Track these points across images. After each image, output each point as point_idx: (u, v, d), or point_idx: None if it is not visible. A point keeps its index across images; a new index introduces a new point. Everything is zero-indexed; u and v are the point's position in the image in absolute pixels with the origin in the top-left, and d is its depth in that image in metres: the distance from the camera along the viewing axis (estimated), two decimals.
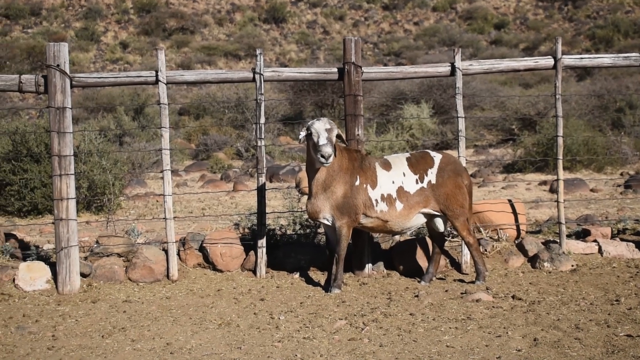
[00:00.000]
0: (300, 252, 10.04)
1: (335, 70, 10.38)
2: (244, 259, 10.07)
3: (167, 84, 9.92)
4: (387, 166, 9.26)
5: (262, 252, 9.81)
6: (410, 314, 8.07)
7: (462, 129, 10.33)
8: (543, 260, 10.01)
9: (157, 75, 9.89)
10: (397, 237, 10.42)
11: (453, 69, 10.50)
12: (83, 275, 9.53)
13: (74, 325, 8.00)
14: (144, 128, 29.63)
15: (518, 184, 18.83)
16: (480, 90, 34.53)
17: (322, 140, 8.62)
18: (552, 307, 8.26)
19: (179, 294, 9.20)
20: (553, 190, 17.25)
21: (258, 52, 10.18)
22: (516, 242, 10.53)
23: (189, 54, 60.17)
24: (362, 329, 7.58)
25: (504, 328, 7.51)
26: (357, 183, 9.05)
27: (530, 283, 9.35)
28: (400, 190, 9.13)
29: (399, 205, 9.10)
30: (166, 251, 9.84)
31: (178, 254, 10.00)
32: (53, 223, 9.67)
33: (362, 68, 10.17)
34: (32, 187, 15.64)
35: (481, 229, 10.63)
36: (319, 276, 9.78)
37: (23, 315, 8.38)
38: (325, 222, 9.14)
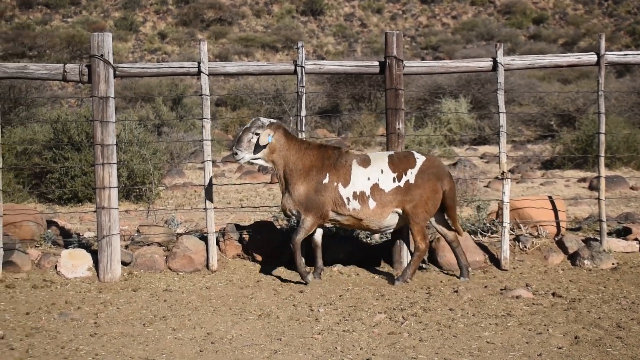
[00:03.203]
0: (339, 245, 10.04)
1: (377, 63, 10.37)
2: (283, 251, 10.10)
3: (209, 75, 9.95)
4: (365, 163, 9.20)
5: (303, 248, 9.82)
6: (450, 309, 8.06)
7: (503, 125, 10.26)
8: (583, 258, 9.94)
9: (199, 67, 9.93)
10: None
11: (495, 64, 10.46)
12: (124, 263, 9.62)
13: (116, 312, 8.08)
14: (182, 118, 29.79)
15: (557, 181, 18.71)
16: (518, 86, 34.33)
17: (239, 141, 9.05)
18: (593, 305, 8.21)
19: (218, 284, 9.25)
20: (592, 187, 17.13)
21: (299, 44, 10.18)
22: (556, 239, 10.46)
23: (227, 45, 60.32)
24: (402, 323, 7.58)
25: (545, 325, 7.48)
26: (326, 181, 9.05)
27: (570, 280, 9.29)
28: (375, 187, 9.07)
29: (371, 203, 9.05)
30: (206, 241, 9.90)
31: (217, 245, 10.06)
32: (94, 211, 9.77)
33: (404, 62, 10.14)
34: (73, 175, 15.81)
35: (521, 225, 10.56)
36: (357, 269, 9.79)
37: (65, 302, 8.47)
38: (294, 217, 9.27)
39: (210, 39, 62.11)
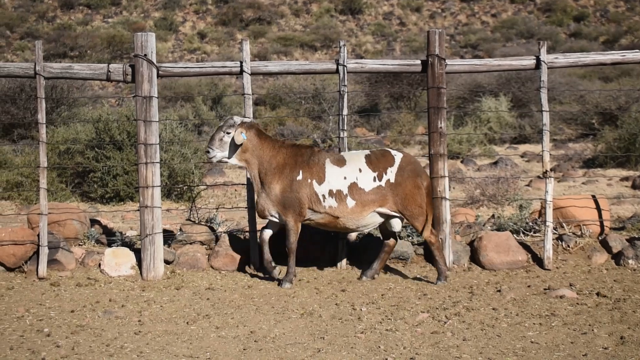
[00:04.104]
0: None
1: (419, 62, 10.34)
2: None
3: (251, 74, 9.97)
4: (340, 162, 9.15)
5: (343, 244, 9.83)
6: (493, 309, 8.02)
7: (547, 123, 10.15)
8: (628, 258, 9.85)
9: (241, 66, 9.97)
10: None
11: (538, 62, 10.34)
12: (166, 262, 9.69)
13: (159, 311, 8.14)
14: (221, 118, 29.87)
15: (599, 180, 18.53)
16: (559, 84, 34.03)
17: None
18: (638, 305, 8.12)
19: (260, 283, 9.27)
20: (636, 186, 16.96)
21: (341, 43, 10.19)
22: (600, 238, 10.36)
23: (266, 45, 60.43)
24: (445, 323, 7.56)
25: (589, 325, 7.42)
26: (300, 178, 9.02)
27: (614, 280, 9.21)
28: (353, 186, 9.02)
29: (350, 202, 8.99)
30: (247, 240, 9.93)
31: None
32: (137, 210, 9.84)
33: (446, 60, 10.11)
34: (115, 174, 15.93)
35: (564, 224, 10.48)
36: (399, 268, 9.77)
37: (109, 300, 8.54)
38: (274, 219, 9.23)
39: (249, 39, 62.24)
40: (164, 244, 9.75)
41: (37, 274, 9.40)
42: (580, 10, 68.86)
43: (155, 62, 9.69)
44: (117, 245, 10.11)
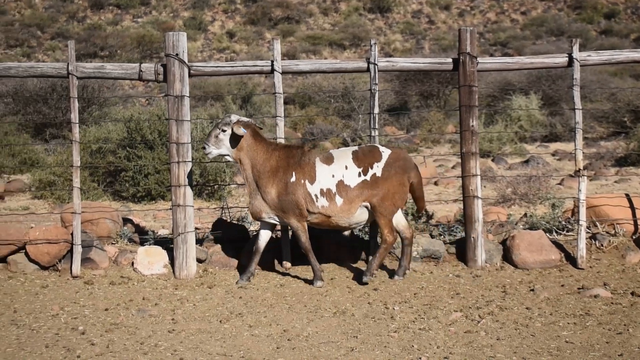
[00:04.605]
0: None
1: (450, 60, 10.30)
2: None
3: (282, 73, 9.98)
4: (328, 160, 9.11)
5: (375, 242, 9.81)
6: (527, 308, 7.98)
7: (579, 121, 10.06)
8: None
9: (272, 65, 9.98)
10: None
11: (570, 59, 10.25)
12: (199, 260, 9.71)
13: (192, 309, 8.17)
14: (251, 117, 29.90)
15: (631, 178, 18.36)
16: (590, 82, 33.80)
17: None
18: None
19: (292, 281, 9.28)
20: None
21: (372, 42, 10.16)
22: (634, 237, 10.26)
23: (294, 44, 60.47)
24: (478, 322, 7.54)
25: (625, 325, 7.37)
26: (293, 179, 8.99)
27: None
28: (340, 183, 8.98)
29: (339, 200, 8.95)
30: (279, 239, 9.94)
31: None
32: (168, 209, 9.87)
33: (477, 58, 10.07)
34: (146, 173, 16.01)
35: (597, 223, 10.40)
36: (431, 267, 9.74)
37: (143, 298, 8.59)
38: (272, 221, 9.20)
39: (278, 38, 62.33)
40: (196, 243, 9.78)
41: (71, 272, 9.46)
42: (611, 7, 68.28)
43: (186, 61, 9.72)
44: (150, 244, 10.15)
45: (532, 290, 8.67)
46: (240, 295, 8.68)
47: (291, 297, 8.56)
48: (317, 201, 8.97)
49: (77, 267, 9.47)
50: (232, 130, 8.93)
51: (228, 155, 9.13)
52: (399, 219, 9.25)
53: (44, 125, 26.58)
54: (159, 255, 9.75)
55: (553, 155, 23.89)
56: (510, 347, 6.80)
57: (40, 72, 10.12)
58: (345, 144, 27.26)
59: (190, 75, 9.81)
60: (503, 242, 10.09)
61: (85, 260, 9.60)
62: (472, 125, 9.95)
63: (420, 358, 6.55)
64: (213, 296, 8.66)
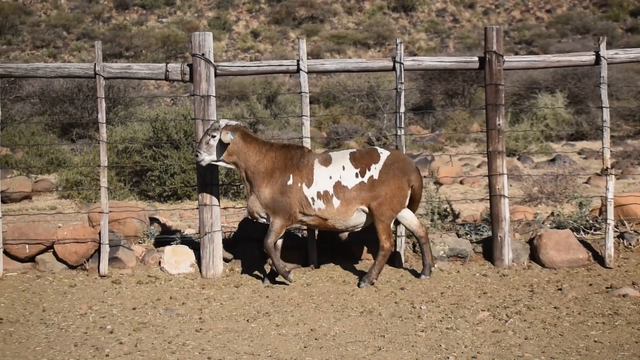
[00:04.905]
0: (439, 242, 9.96)
1: (476, 59, 10.26)
2: None
3: (308, 72, 9.98)
4: (326, 162, 9.03)
5: (402, 241, 9.80)
6: (555, 308, 7.94)
7: (607, 120, 10.00)
8: None
9: (298, 64, 9.97)
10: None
11: (598, 57, 10.18)
12: (225, 260, 9.73)
13: (219, 308, 8.19)
14: (276, 116, 30.00)
15: None
16: (616, 80, 33.57)
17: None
18: None
19: (318, 280, 9.28)
20: None
21: (398, 41, 10.15)
22: None
23: (319, 43, 60.48)
24: (506, 321, 7.50)
25: None
26: (290, 182, 8.92)
27: None
28: (338, 185, 8.89)
29: (335, 202, 8.86)
30: (306, 238, 9.95)
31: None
32: (194, 208, 9.90)
33: (504, 57, 10.03)
34: (172, 172, 16.07)
35: (625, 222, 10.33)
36: (458, 266, 9.71)
37: (170, 297, 8.62)
38: (263, 220, 9.15)
39: (302, 37, 62.29)
40: (222, 242, 9.80)
41: (98, 271, 9.52)
42: (637, 4, 67.70)
43: (212, 61, 9.75)
44: (177, 243, 10.19)
45: (560, 289, 8.63)
46: (267, 294, 8.69)
47: (318, 297, 8.57)
48: (313, 204, 8.89)
49: (104, 266, 9.52)
50: (224, 134, 8.89)
51: (222, 161, 9.08)
52: (411, 219, 9.20)
53: (71, 125, 26.78)
54: (186, 254, 9.79)
55: (579, 153, 23.76)
56: (538, 347, 6.77)
57: (68, 73, 10.17)
58: (370, 143, 27.26)
59: (216, 75, 9.84)
60: (530, 241, 10.04)
61: (113, 259, 9.65)
62: (499, 124, 9.92)
63: (448, 357, 6.53)
64: (240, 295, 8.68)
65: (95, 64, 9.82)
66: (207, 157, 9.04)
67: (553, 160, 21.51)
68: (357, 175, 8.91)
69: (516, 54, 53.37)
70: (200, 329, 7.49)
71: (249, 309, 8.13)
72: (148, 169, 16.53)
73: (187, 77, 9.87)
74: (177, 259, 9.72)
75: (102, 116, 9.78)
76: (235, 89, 38.74)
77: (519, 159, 22.59)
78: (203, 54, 9.68)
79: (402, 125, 10.04)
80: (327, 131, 31.05)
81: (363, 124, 31.06)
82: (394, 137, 10.20)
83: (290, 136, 22.81)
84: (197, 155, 9.15)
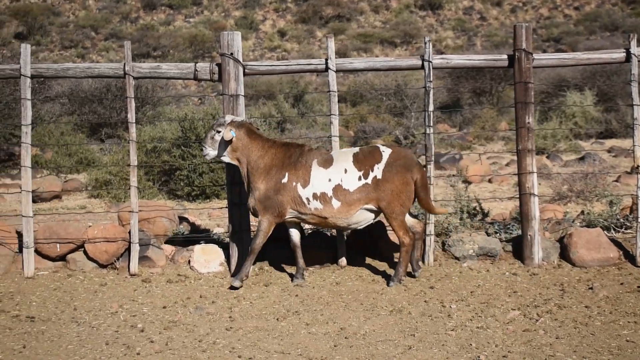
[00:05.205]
0: (468, 241, 9.92)
1: (505, 57, 10.22)
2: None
3: (336, 71, 9.97)
4: (326, 163, 8.96)
5: (431, 240, 9.77)
6: (586, 307, 7.89)
7: (638, 117, 9.91)
8: None
9: (326, 63, 9.96)
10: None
11: (628, 55, 10.10)
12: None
13: (249, 307, 8.21)
14: (303, 115, 30.01)
15: None
16: None
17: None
18: None
19: (347, 279, 9.27)
20: None
21: (426, 39, 10.13)
22: None
23: (345, 42, 60.47)
24: (537, 321, 7.47)
25: None
26: (285, 180, 8.89)
27: None
28: (338, 188, 8.81)
29: (335, 203, 8.80)
30: (333, 237, 9.95)
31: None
32: (224, 207, 9.91)
33: (533, 55, 9.98)
34: (201, 172, 16.12)
35: None
36: (487, 265, 9.67)
37: (200, 296, 8.65)
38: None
39: (332, 36, 62.23)
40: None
41: (128, 270, 9.57)
42: None
43: (241, 60, 9.77)
44: (206, 243, 10.22)
45: (591, 288, 8.57)
46: (296, 293, 8.70)
47: (347, 295, 8.56)
48: (308, 204, 8.86)
49: (134, 265, 9.58)
50: (227, 131, 8.91)
51: (225, 156, 9.11)
52: (407, 217, 9.15)
53: (99, 125, 26.94)
54: (215, 253, 9.82)
55: (609, 152, 23.58)
56: (569, 346, 6.73)
57: (98, 73, 10.22)
58: (397, 141, 27.22)
59: (244, 74, 9.85)
60: (560, 240, 9.99)
61: (143, 258, 9.71)
62: (528, 122, 9.88)
63: (478, 357, 6.51)
64: (269, 294, 8.70)
65: (124, 63, 9.87)
66: (212, 152, 9.11)
67: (582, 158, 21.36)
68: (360, 178, 8.86)
69: (544, 51, 53.07)
70: (231, 327, 7.51)
71: (278, 308, 8.15)
72: (176, 168, 16.60)
73: (216, 76, 9.89)
74: (207, 257, 9.75)
75: (131, 116, 9.83)
76: (263, 88, 38.81)
77: (547, 157, 22.46)
78: (232, 54, 9.70)
79: (431, 124, 10.00)
80: (354, 130, 31.02)
81: (390, 122, 31.02)
82: (422, 135, 10.18)
83: (318, 135, 22.78)
84: (202, 150, 9.22)
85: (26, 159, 9.77)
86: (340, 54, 54.84)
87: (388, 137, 28.18)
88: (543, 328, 7.25)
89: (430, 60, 9.99)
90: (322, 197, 8.83)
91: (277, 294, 8.71)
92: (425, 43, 10.07)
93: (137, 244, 9.62)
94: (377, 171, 8.84)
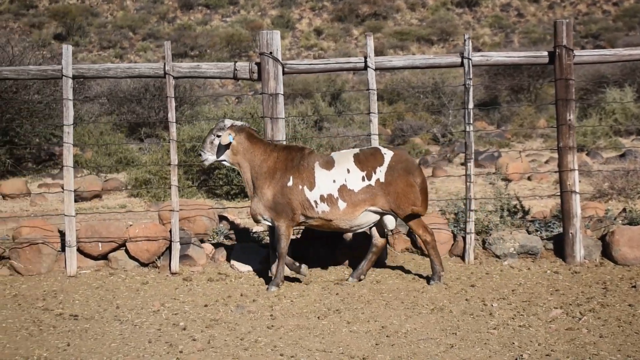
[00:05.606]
0: (509, 239, 9.87)
1: (546, 54, 10.16)
2: (452, 245, 10.04)
3: (375, 70, 9.95)
4: (328, 165, 8.88)
5: (471, 238, 9.74)
6: (629, 305, 7.82)
7: None
8: None
9: (365, 61, 9.95)
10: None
11: None
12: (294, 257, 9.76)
13: (290, 305, 8.22)
14: (340, 113, 30.00)
15: None
16: None
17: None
18: None
19: (388, 278, 9.26)
20: None
21: (466, 37, 10.10)
22: None
23: (382, 40, 60.36)
24: (580, 319, 7.41)
25: None
26: (290, 184, 8.81)
27: None
28: (343, 188, 8.76)
29: (341, 204, 8.73)
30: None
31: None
32: None
33: (574, 51, 9.90)
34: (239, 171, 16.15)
35: None
36: (528, 263, 9.61)
37: (241, 294, 8.68)
38: (267, 223, 9.04)
39: (371, 34, 62.19)
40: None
41: (169, 269, 9.64)
42: None
43: (280, 59, 9.78)
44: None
45: (634, 287, 8.49)
46: (336, 291, 8.70)
47: (388, 294, 8.55)
48: (316, 207, 8.82)
49: (175, 263, 9.64)
50: (225, 135, 8.90)
51: (225, 160, 9.11)
52: (387, 221, 9.01)
53: (138, 125, 27.13)
54: (255, 252, 9.85)
55: None
56: (613, 345, 6.67)
57: (138, 73, 10.29)
58: (435, 139, 27.14)
59: (284, 73, 9.87)
60: (602, 238, 9.90)
61: (184, 257, 9.76)
62: (569, 119, 9.80)
63: (522, 355, 6.47)
64: (310, 292, 8.71)
65: (164, 63, 9.93)
66: (211, 156, 9.09)
67: (623, 155, 21.17)
68: (363, 179, 8.82)
69: (583, 48, 52.61)
70: (272, 325, 7.52)
71: (319, 306, 8.15)
72: (215, 167, 16.66)
73: (255, 75, 9.92)
74: (247, 256, 9.78)
75: (171, 115, 9.89)
76: (299, 87, 38.83)
77: (587, 154, 22.29)
78: (271, 53, 9.72)
79: (471, 121, 9.95)
80: (391, 128, 30.96)
81: (428, 120, 30.93)
82: (460, 133, 10.13)
83: (355, 133, 22.77)
84: (200, 155, 9.20)
85: (68, 159, 9.87)
86: (377, 52, 54.40)
87: (426, 135, 28.11)
88: (586, 327, 7.19)
89: (470, 57, 9.95)
90: (329, 199, 8.80)
91: (318, 292, 8.72)
92: (464, 40, 10.03)
93: (178, 243, 9.68)
94: (380, 174, 8.82)
